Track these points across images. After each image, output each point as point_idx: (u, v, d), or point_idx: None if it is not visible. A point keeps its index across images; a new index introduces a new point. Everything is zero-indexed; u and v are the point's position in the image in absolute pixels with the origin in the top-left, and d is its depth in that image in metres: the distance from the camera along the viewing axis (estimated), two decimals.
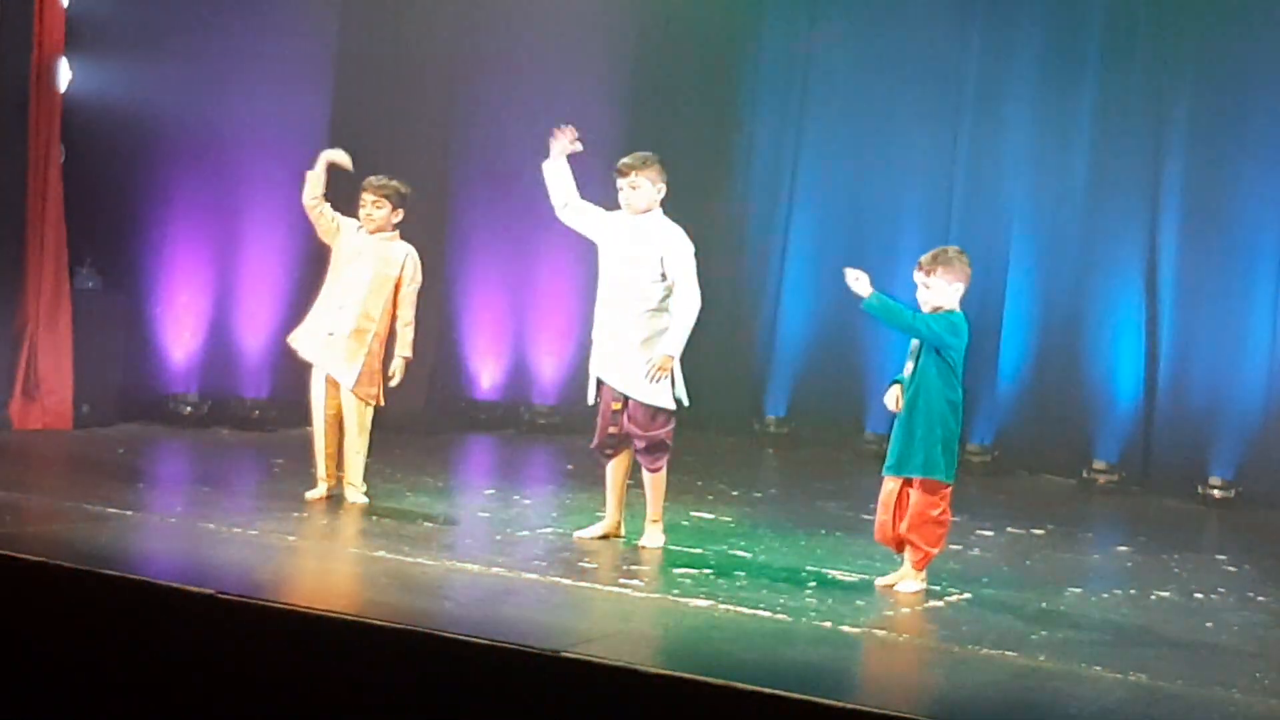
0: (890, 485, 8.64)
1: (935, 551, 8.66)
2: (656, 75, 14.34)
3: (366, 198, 10.01)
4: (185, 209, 12.62)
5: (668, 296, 9.16)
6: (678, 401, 9.22)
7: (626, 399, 9.20)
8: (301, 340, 10.04)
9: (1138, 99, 13.31)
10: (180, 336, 12.71)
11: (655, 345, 9.13)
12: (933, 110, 14.01)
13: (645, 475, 9.31)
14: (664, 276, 9.14)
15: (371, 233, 9.98)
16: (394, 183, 10.04)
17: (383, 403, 10.01)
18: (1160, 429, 13.31)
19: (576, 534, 9.46)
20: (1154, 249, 13.31)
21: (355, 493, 9.91)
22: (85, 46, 11.98)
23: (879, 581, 8.73)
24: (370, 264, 9.94)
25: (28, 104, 11.58)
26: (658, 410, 9.18)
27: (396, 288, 9.95)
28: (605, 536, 9.43)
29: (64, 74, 11.82)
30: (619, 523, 9.48)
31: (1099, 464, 13.33)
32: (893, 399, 8.65)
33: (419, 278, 10.01)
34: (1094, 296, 13.50)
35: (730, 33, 14.55)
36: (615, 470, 9.41)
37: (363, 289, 9.91)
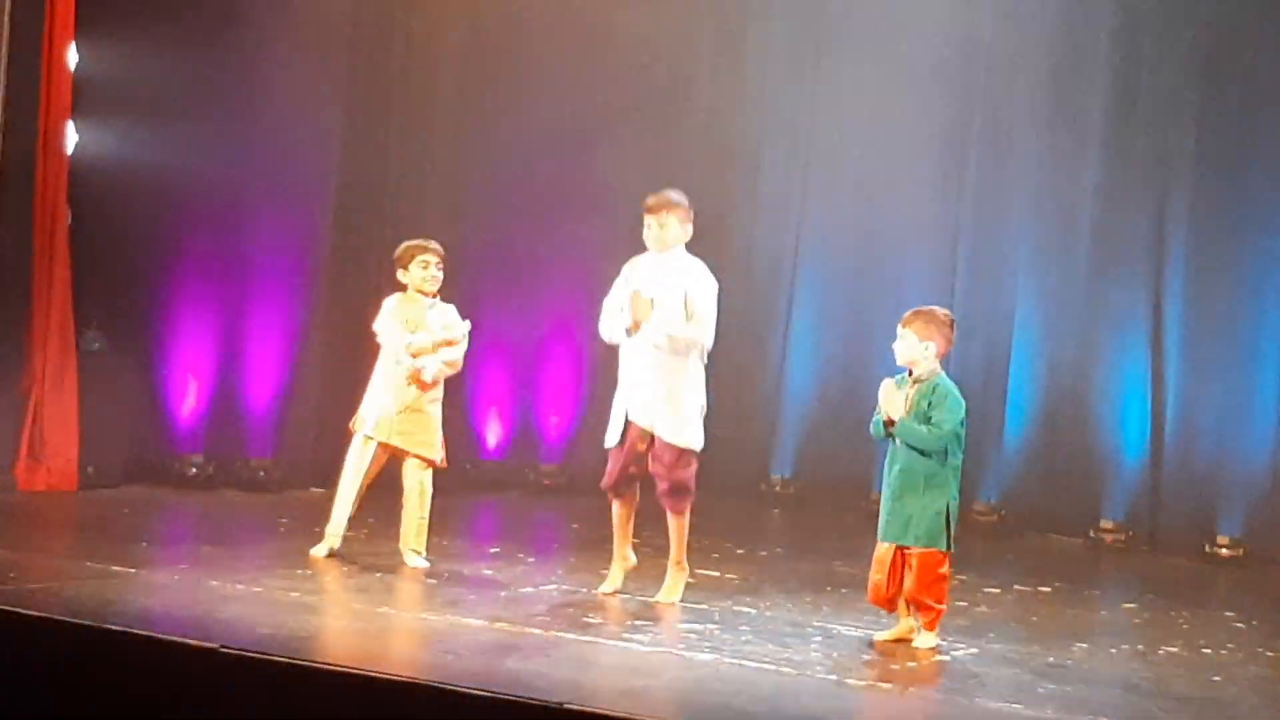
0: (885, 548, 8.61)
1: (943, 608, 8.64)
2: (660, 140, 14.37)
3: (430, 259, 10.09)
4: (191, 270, 12.65)
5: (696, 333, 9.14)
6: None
7: (653, 439, 9.17)
8: (370, 422, 10.03)
9: (1142, 157, 13.34)
10: (186, 398, 12.72)
11: (686, 385, 9.12)
12: (937, 171, 14.04)
13: (671, 520, 9.27)
14: (691, 315, 9.11)
15: (433, 294, 10.06)
16: (439, 247, 10.20)
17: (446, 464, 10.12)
18: (1167, 488, 13.27)
19: (600, 591, 9.42)
20: (1159, 307, 13.30)
21: (416, 558, 9.90)
22: (92, 109, 12.03)
23: (878, 637, 8.70)
24: (432, 333, 10.05)
25: (34, 166, 11.61)
26: (684, 451, 9.15)
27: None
28: (624, 578, 9.44)
29: (71, 136, 11.86)
30: (627, 557, 9.48)
31: (1106, 523, 13.28)
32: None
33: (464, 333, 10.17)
34: (1100, 355, 13.49)
35: (734, 88, 14.59)
36: (623, 513, 9.40)
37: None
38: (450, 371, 10.17)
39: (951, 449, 8.61)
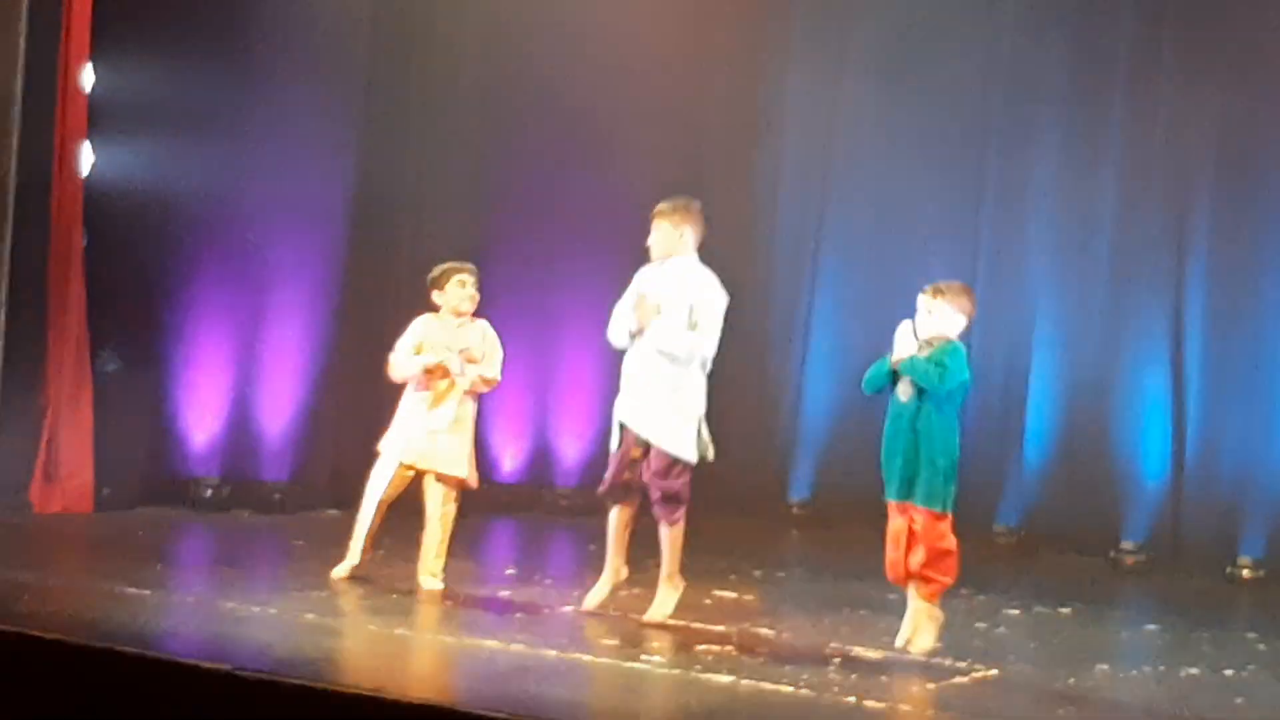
0: (898, 521, 8.59)
1: (950, 580, 8.59)
2: (679, 159, 14.35)
3: (468, 278, 10.08)
4: (207, 292, 12.63)
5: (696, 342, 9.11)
6: (701, 458, 9.15)
7: (648, 448, 9.12)
8: (398, 445, 9.98)
9: (1161, 176, 13.30)
10: (202, 419, 12.69)
11: (684, 394, 9.07)
12: (954, 192, 14.02)
13: (663, 531, 9.20)
14: (695, 325, 9.09)
15: (471, 314, 10.04)
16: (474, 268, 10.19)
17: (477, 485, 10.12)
18: (1188, 509, 13.20)
19: (585, 603, 9.40)
20: (1180, 326, 13.25)
21: (433, 580, 9.85)
22: (107, 130, 12.02)
23: (899, 641, 8.65)
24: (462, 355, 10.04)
25: (50, 188, 11.61)
26: (676, 460, 9.10)
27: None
28: (612, 591, 9.38)
29: (86, 157, 11.85)
30: (619, 569, 9.40)
31: (1126, 544, 13.22)
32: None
33: (500, 347, 10.14)
34: (1120, 376, 13.44)
35: (753, 101, 14.57)
36: (619, 521, 9.32)
37: (463, 385, 9.98)
38: (485, 388, 10.12)
39: (953, 399, 8.54)
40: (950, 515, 8.60)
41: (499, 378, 10.15)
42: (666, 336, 9.05)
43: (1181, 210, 13.27)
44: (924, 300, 8.64)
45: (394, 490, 9.98)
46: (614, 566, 9.43)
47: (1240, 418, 12.97)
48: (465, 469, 9.98)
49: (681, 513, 9.18)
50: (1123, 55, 13.45)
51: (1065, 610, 10.88)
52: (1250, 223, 13.02)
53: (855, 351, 14.09)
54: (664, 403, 9.08)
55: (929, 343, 8.63)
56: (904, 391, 8.61)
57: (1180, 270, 13.27)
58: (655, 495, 9.14)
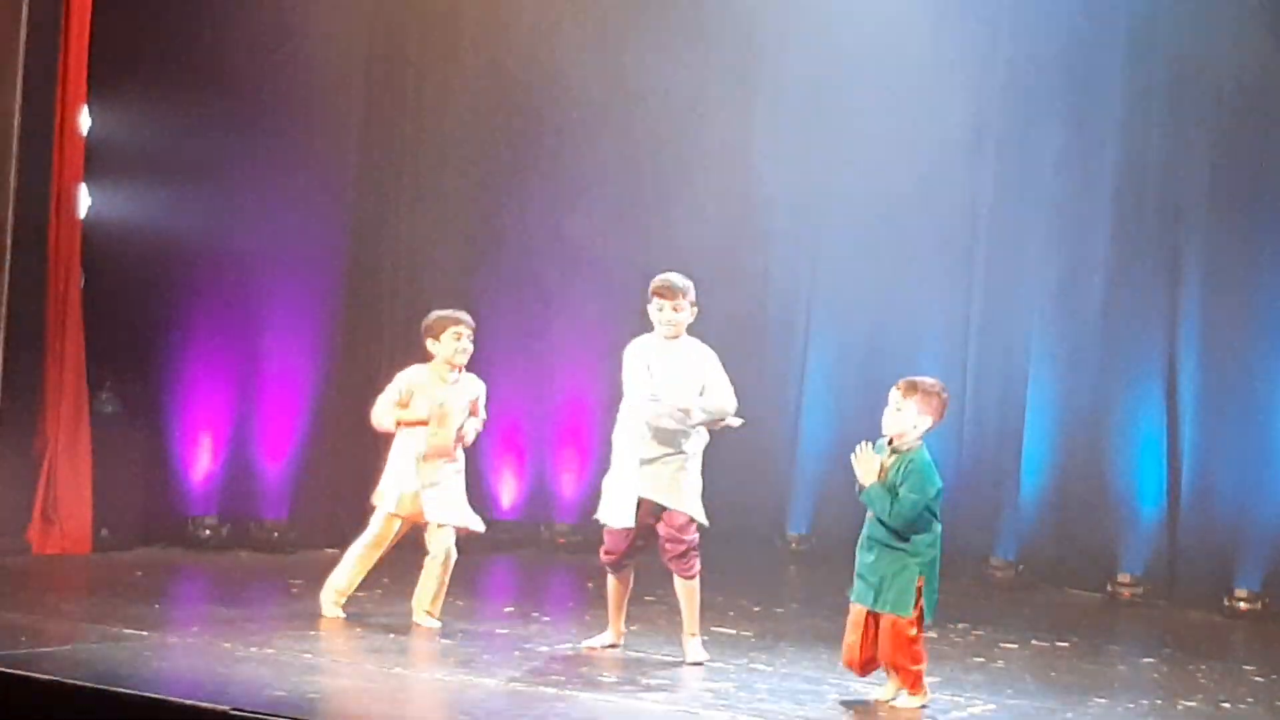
0: (858, 608, 8.53)
1: (922, 667, 8.53)
2: (672, 199, 14.38)
3: (464, 330, 10.06)
4: (204, 332, 12.66)
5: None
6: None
7: (662, 511, 9.22)
8: (390, 498, 10.00)
9: (1153, 209, 13.33)
10: (200, 460, 12.71)
11: (694, 459, 9.25)
12: (948, 228, 14.01)
13: (680, 586, 9.30)
14: (715, 390, 9.28)
15: (464, 367, 10.07)
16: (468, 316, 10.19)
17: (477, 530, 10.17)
18: (1185, 542, 13.18)
19: (585, 644, 9.52)
20: (1173, 359, 13.26)
21: (429, 619, 9.87)
22: (105, 173, 12.07)
23: (880, 697, 8.62)
24: (459, 408, 10.07)
25: (47, 230, 11.65)
26: (692, 519, 9.23)
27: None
28: (611, 645, 9.48)
29: (84, 200, 11.89)
30: (620, 633, 9.54)
31: (1123, 577, 13.21)
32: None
33: (485, 406, 10.27)
34: (1114, 409, 13.44)
35: (743, 150, 14.58)
36: (622, 584, 9.48)
37: (447, 435, 10.00)
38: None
39: (924, 522, 8.45)
40: (920, 618, 8.47)
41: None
42: (715, 405, 9.26)
43: (1174, 243, 13.29)
44: (895, 396, 8.55)
45: (393, 541, 10.01)
46: (616, 630, 9.56)
47: (1235, 450, 12.97)
48: (461, 517, 10.00)
49: (697, 566, 9.29)
50: (1115, 89, 13.48)
51: (1063, 644, 10.88)
52: (1243, 255, 13.02)
53: (851, 387, 14.14)
54: (682, 472, 9.24)
55: (894, 448, 8.54)
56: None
57: (1174, 302, 13.29)
58: (674, 551, 9.24)
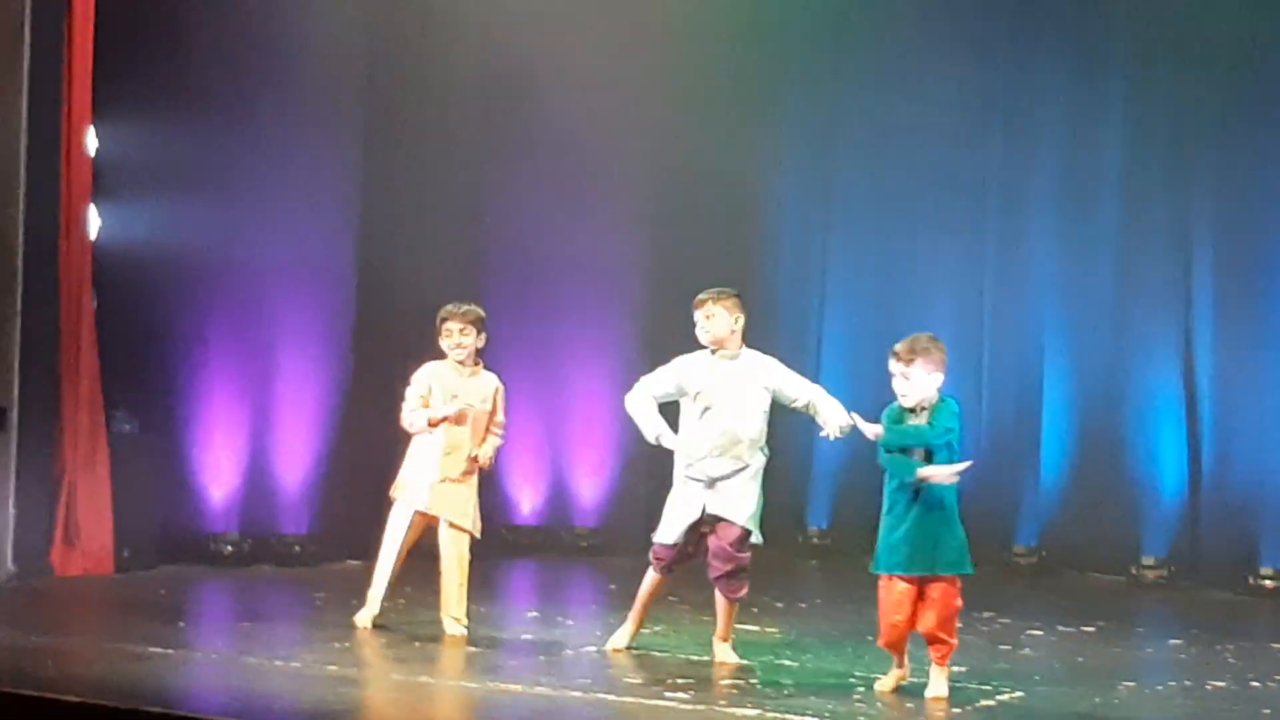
0: (904, 585, 8.44)
1: (955, 643, 8.52)
2: (680, 196, 14.37)
3: (452, 326, 9.97)
4: (218, 348, 12.66)
5: (765, 427, 9.34)
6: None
7: (717, 521, 9.18)
8: (409, 490, 10.00)
9: (1164, 183, 13.30)
10: (218, 476, 12.70)
11: (759, 475, 9.25)
12: (959, 214, 14.01)
13: (721, 602, 9.27)
14: (766, 406, 9.29)
15: (462, 362, 9.97)
16: (474, 307, 10.06)
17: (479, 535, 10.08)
18: (1207, 521, 13.17)
19: (610, 644, 9.51)
20: (1189, 339, 13.24)
21: (456, 625, 9.84)
22: (114, 192, 12.07)
23: (880, 687, 8.59)
24: (476, 400, 9.99)
25: (58, 251, 11.64)
26: (748, 536, 9.21)
27: (490, 418, 10.03)
28: (627, 646, 9.49)
29: (93, 220, 11.90)
30: (636, 633, 9.54)
31: (1147, 559, 13.20)
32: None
33: (505, 408, 10.13)
34: (1131, 391, 13.42)
35: (753, 146, 14.58)
36: (657, 586, 9.42)
37: (467, 431, 9.93)
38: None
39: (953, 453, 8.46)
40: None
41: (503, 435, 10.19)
42: (824, 398, 9.39)
43: (1186, 220, 13.27)
44: (897, 367, 8.48)
45: (412, 537, 9.99)
46: (635, 625, 9.54)
47: (1254, 426, 12.94)
48: (470, 520, 9.97)
49: (744, 590, 9.27)
50: (1120, 58, 13.46)
51: (1088, 629, 10.86)
52: (1256, 230, 13.00)
53: (865, 377, 14.07)
54: (747, 486, 9.23)
55: (917, 409, 8.50)
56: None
57: (1188, 281, 13.26)
58: (725, 569, 9.19)
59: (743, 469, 9.22)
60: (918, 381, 8.45)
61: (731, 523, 9.16)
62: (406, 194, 13.75)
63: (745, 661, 9.20)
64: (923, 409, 8.48)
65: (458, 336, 9.97)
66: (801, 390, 9.39)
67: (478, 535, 10.04)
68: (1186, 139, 13.23)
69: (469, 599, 9.95)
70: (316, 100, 12.97)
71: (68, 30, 11.58)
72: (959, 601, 8.46)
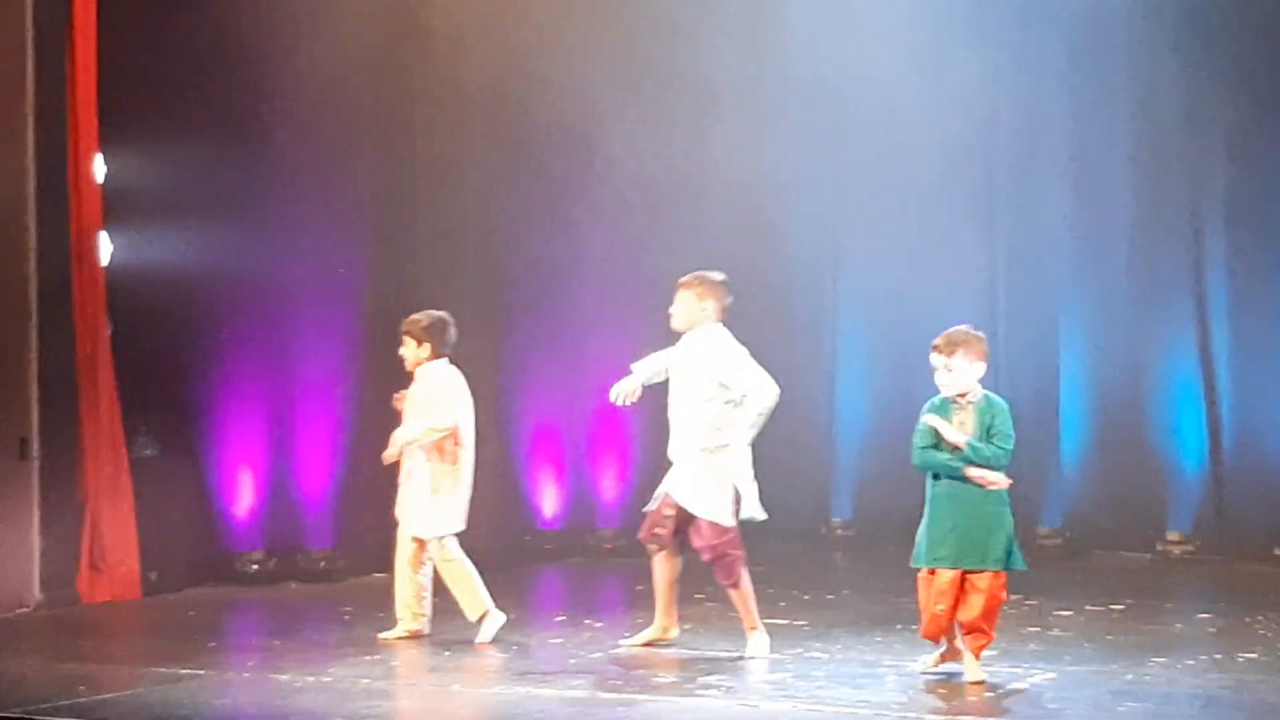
0: (949, 575, 8.45)
1: (994, 637, 8.54)
2: (693, 189, 14.38)
3: (404, 337, 10.13)
4: (235, 368, 12.68)
5: (722, 412, 9.23)
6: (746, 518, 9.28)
7: (679, 509, 9.28)
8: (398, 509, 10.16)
9: (1174, 159, 13.30)
10: (241, 495, 12.73)
11: (716, 459, 9.19)
12: (969, 199, 14.01)
13: (730, 593, 9.33)
14: (718, 392, 9.21)
15: (410, 371, 10.05)
16: (419, 316, 10.10)
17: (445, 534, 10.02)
18: (1230, 493, 13.18)
19: (623, 642, 9.54)
20: (1203, 312, 13.23)
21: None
22: (123, 218, 12.08)
23: (920, 668, 8.62)
24: (410, 409, 10.05)
25: (71, 280, 11.67)
26: (716, 523, 9.20)
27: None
28: (651, 643, 9.48)
29: (105, 247, 11.93)
30: (667, 626, 9.54)
31: (1172, 535, 13.20)
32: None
33: (451, 390, 9.96)
34: (1148, 367, 13.43)
35: (760, 141, 14.58)
36: (661, 571, 9.47)
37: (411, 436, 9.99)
38: (436, 436, 9.96)
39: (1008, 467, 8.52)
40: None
41: (449, 424, 9.95)
42: (749, 405, 9.24)
43: (1196, 194, 13.26)
44: (939, 360, 8.51)
45: (404, 551, 10.06)
46: (661, 624, 9.57)
47: (1273, 397, 12.94)
48: (414, 523, 9.94)
49: (738, 573, 9.26)
50: (1127, 37, 13.44)
51: (1117, 607, 10.86)
52: (1267, 201, 13.00)
53: (882, 368, 14.13)
54: (699, 471, 9.23)
55: (961, 401, 8.52)
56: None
57: (1199, 255, 13.26)
58: (707, 559, 9.30)
59: (695, 456, 9.23)
60: (960, 373, 8.49)
61: (695, 515, 9.23)
62: (420, 208, 13.77)
63: (773, 654, 9.20)
64: (967, 401, 8.50)
65: (401, 350, 10.11)
66: (741, 385, 9.27)
67: (425, 536, 9.95)
68: (1196, 116, 13.23)
69: (498, 604, 9.92)
70: (326, 119, 12.98)
71: (71, 60, 11.61)
72: (1004, 594, 8.47)
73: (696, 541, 9.29)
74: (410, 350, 10.07)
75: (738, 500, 9.24)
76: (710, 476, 9.24)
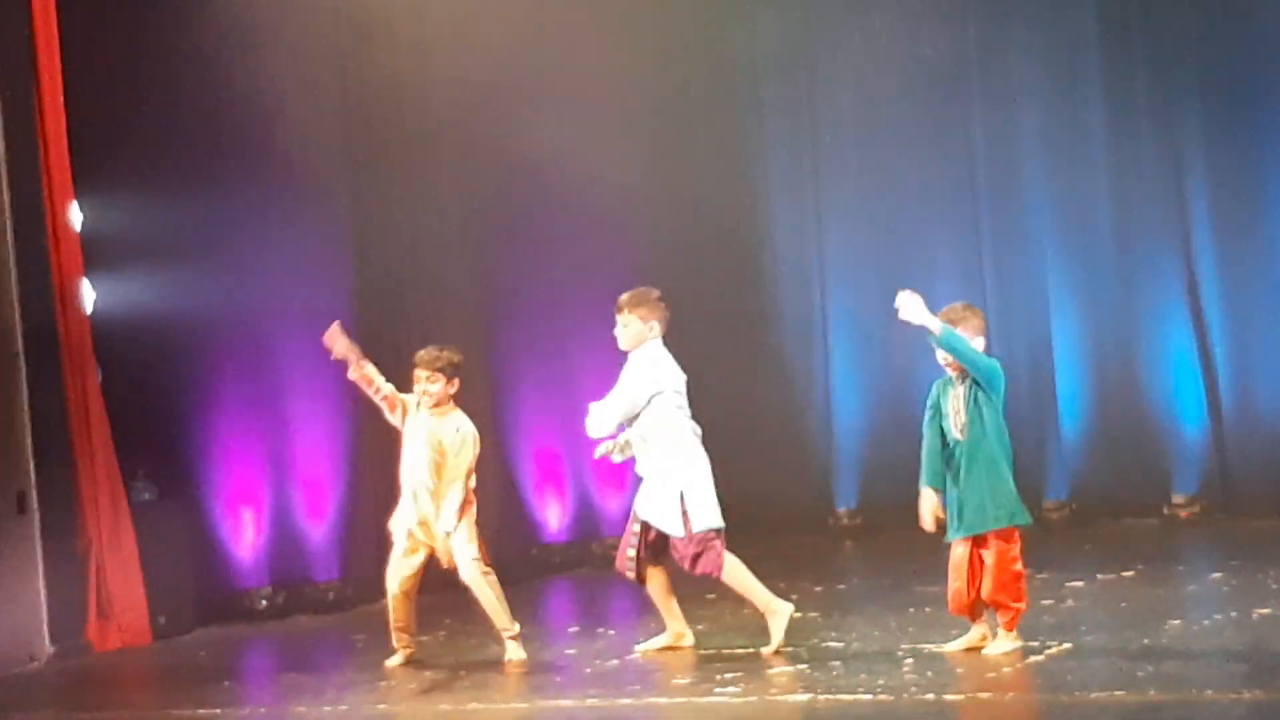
0: (961, 550, 8.51)
1: (1023, 606, 8.54)
2: (676, 197, 14.37)
3: (420, 374, 9.85)
4: (228, 405, 12.63)
5: (656, 428, 9.36)
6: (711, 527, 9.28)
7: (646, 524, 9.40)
8: (400, 525, 10.01)
9: (1151, 122, 13.29)
10: (244, 532, 12.69)
11: (670, 476, 9.28)
12: (948, 173, 14.02)
13: (721, 582, 9.31)
14: (643, 409, 9.34)
15: (430, 409, 9.86)
16: (445, 353, 9.88)
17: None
18: (1233, 451, 13.18)
19: (637, 648, 9.54)
20: (1192, 274, 13.23)
21: (515, 647, 9.71)
22: (104, 264, 12.04)
23: (948, 648, 8.61)
24: (425, 444, 9.83)
25: (56, 330, 11.63)
26: (677, 536, 9.27)
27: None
28: (670, 648, 9.49)
29: (88, 294, 11.89)
30: (680, 633, 9.55)
31: (1178, 498, 13.20)
32: (931, 513, 8.55)
33: (469, 451, 9.78)
34: (1141, 331, 13.44)
35: (735, 137, 14.57)
36: (652, 584, 9.53)
37: (425, 472, 9.82)
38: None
39: (1000, 425, 8.51)
40: (1019, 539, 8.52)
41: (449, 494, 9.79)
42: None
43: (1178, 155, 13.26)
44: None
45: (409, 580, 9.97)
46: (672, 631, 9.58)
47: (1268, 354, 12.95)
48: (469, 560, 9.78)
49: (717, 562, 9.23)
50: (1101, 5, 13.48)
51: (1128, 573, 10.85)
52: (1248, 158, 13.01)
53: (876, 353, 14.10)
54: (652, 483, 9.37)
55: (960, 376, 8.57)
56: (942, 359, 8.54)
57: (1185, 217, 13.27)
58: (686, 566, 9.34)
59: (651, 470, 9.34)
60: None
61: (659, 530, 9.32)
62: (400, 233, 13.72)
63: (789, 646, 9.16)
64: (968, 376, 8.51)
65: (424, 384, 9.85)
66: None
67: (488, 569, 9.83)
68: (1168, 72, 13.24)
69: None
70: (299, 153, 12.92)
71: (38, 109, 11.58)
72: (1019, 565, 8.45)
73: (673, 554, 9.35)
74: (438, 388, 9.80)
75: (696, 507, 9.24)
76: (667, 489, 9.29)
